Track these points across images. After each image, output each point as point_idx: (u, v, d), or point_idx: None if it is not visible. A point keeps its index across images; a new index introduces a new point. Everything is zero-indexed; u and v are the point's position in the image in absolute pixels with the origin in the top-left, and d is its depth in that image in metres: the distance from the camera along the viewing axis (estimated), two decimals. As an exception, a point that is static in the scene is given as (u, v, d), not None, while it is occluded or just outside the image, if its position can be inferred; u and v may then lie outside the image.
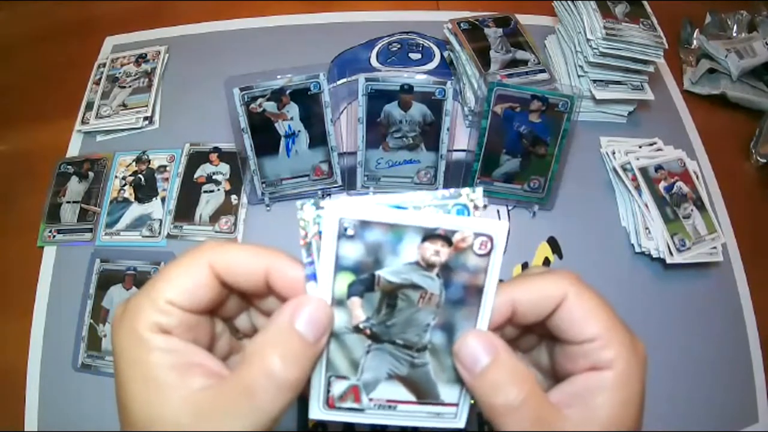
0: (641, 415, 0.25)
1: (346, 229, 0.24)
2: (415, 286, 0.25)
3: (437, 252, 0.25)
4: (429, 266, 0.25)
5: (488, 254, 0.25)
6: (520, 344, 0.31)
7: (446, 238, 0.25)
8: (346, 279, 0.25)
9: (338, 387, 0.27)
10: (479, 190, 0.25)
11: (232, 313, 0.29)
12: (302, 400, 0.26)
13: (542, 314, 0.26)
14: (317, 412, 0.27)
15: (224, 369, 0.25)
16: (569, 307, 0.25)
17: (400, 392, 0.27)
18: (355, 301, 0.26)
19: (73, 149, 0.67)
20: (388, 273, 0.25)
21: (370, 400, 0.27)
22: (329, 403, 0.27)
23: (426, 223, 0.24)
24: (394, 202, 0.25)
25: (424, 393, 0.27)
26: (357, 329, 0.26)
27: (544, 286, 0.26)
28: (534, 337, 0.30)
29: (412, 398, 0.27)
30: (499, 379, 0.24)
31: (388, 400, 0.27)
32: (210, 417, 0.23)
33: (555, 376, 0.28)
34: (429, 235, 0.25)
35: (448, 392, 0.27)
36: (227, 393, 0.23)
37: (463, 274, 0.25)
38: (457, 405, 0.27)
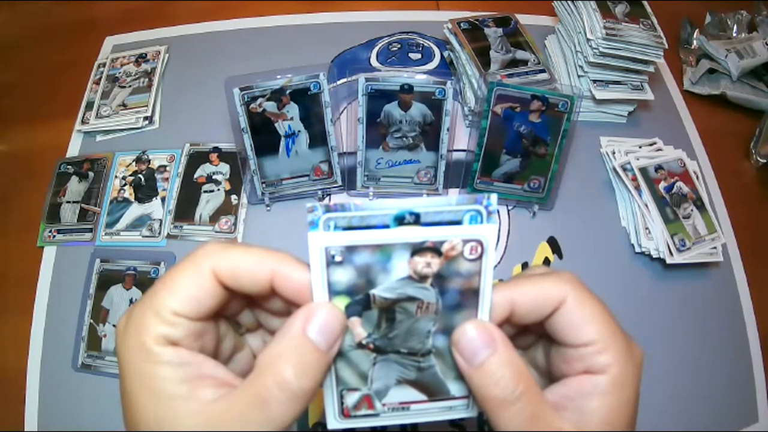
0: (634, 421, 0.25)
1: (333, 257, 0.24)
2: (411, 299, 0.25)
3: (428, 264, 0.25)
4: (422, 278, 0.25)
5: (480, 258, 0.25)
6: (517, 342, 0.31)
7: (435, 250, 0.24)
8: (342, 302, 0.25)
9: (351, 398, 0.27)
10: (494, 196, 0.24)
11: (235, 311, 0.29)
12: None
13: (541, 315, 0.26)
14: (334, 422, 0.27)
15: (234, 378, 0.25)
16: (568, 310, 0.25)
17: (412, 394, 0.27)
18: (354, 320, 0.26)
19: (73, 149, 0.67)
20: (382, 291, 0.25)
21: (383, 405, 0.27)
22: (345, 414, 0.27)
23: (412, 239, 0.24)
24: (402, 207, 0.24)
25: (434, 392, 0.27)
26: (360, 345, 0.26)
27: (544, 288, 0.26)
28: (531, 335, 0.30)
29: (424, 397, 0.27)
30: (497, 372, 0.24)
31: (401, 403, 0.27)
32: (223, 429, 0.22)
33: (550, 376, 0.28)
34: (417, 249, 0.24)
35: (457, 387, 0.27)
36: (240, 404, 0.23)
37: (457, 280, 0.25)
38: (467, 397, 0.27)
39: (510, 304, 0.26)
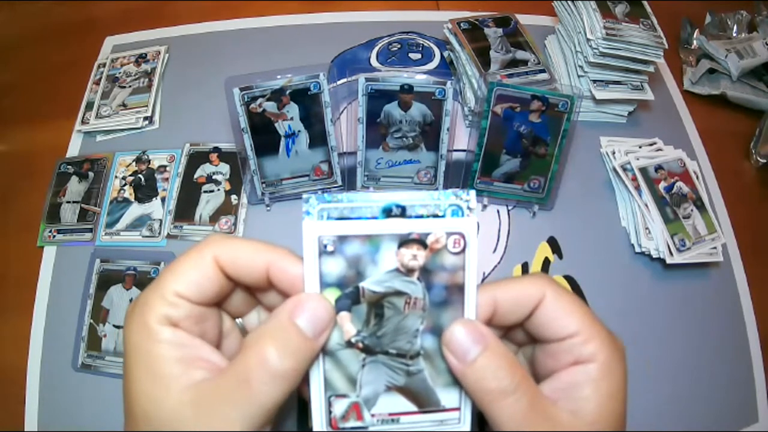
0: (625, 408, 0.26)
1: (325, 246, 0.25)
2: (399, 293, 0.26)
3: (414, 256, 0.26)
4: (409, 271, 0.26)
5: (463, 251, 0.26)
6: None
7: (421, 242, 0.25)
8: (333, 294, 0.26)
9: (339, 407, 0.27)
10: (472, 192, 0.26)
11: (239, 308, 0.30)
12: (301, 402, 0.26)
13: (523, 314, 0.27)
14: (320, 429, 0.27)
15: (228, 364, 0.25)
16: (549, 306, 0.26)
17: (401, 404, 0.27)
18: (344, 315, 0.26)
19: (73, 149, 0.67)
20: (371, 284, 0.26)
21: (372, 415, 0.27)
22: (332, 425, 0.27)
23: (399, 230, 0.25)
24: (388, 200, 0.25)
25: (424, 401, 0.27)
26: (349, 344, 0.26)
27: (523, 286, 0.27)
28: (512, 345, 0.30)
29: (414, 408, 0.27)
30: (491, 365, 0.25)
31: (390, 414, 0.27)
32: (209, 406, 0.23)
33: (536, 379, 0.28)
34: (404, 241, 0.25)
35: (447, 397, 0.27)
36: (224, 382, 0.23)
37: (442, 275, 0.26)
38: (458, 409, 0.27)
39: (492, 303, 0.27)
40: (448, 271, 0.26)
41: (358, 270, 0.26)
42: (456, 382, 0.26)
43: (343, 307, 0.26)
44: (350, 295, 0.26)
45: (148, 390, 0.24)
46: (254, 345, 0.24)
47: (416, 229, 0.25)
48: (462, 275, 0.26)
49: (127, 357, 0.25)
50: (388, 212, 0.26)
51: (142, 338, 0.24)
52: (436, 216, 0.26)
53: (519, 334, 0.29)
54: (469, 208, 0.26)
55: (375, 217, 0.26)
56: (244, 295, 0.29)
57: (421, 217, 0.26)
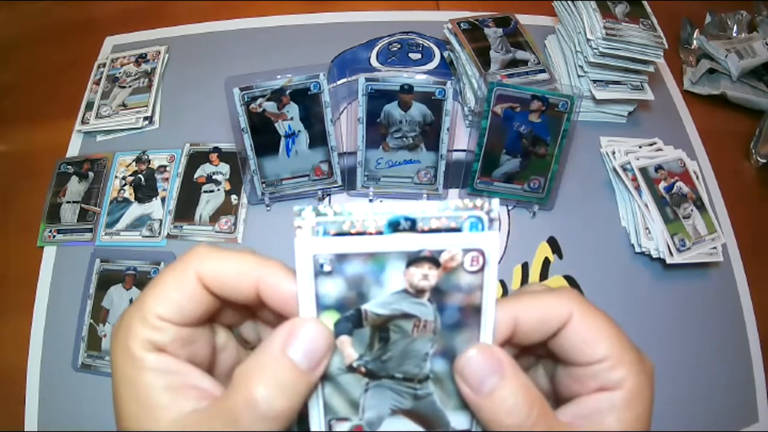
0: (649, 429, 0.25)
1: (322, 266, 0.22)
2: (406, 316, 0.23)
3: (425, 276, 0.23)
4: (419, 292, 0.23)
5: (481, 270, 0.23)
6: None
7: (433, 260, 0.22)
8: (331, 318, 0.23)
9: (340, 429, 0.25)
10: (496, 201, 0.22)
11: (234, 321, 0.28)
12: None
13: (546, 334, 0.25)
14: None
15: (221, 390, 0.24)
16: (576, 327, 0.24)
17: (407, 426, 0.25)
18: (344, 339, 0.23)
19: (73, 149, 0.67)
20: (375, 306, 0.23)
21: None
22: None
23: (408, 247, 0.22)
24: (396, 212, 0.23)
25: (432, 424, 0.25)
26: (351, 369, 0.24)
27: (549, 304, 0.24)
28: (530, 358, 0.29)
29: (421, 430, 0.25)
30: (509, 398, 0.23)
31: None
32: None
33: (556, 397, 0.27)
34: (414, 259, 0.22)
35: (457, 419, 0.25)
36: (212, 419, 0.22)
37: (457, 295, 0.23)
38: (469, 430, 0.25)
39: (513, 322, 0.24)
40: (463, 292, 0.23)
41: (359, 292, 0.23)
42: (467, 404, 0.25)
43: (343, 331, 0.23)
44: (351, 318, 0.23)
45: (135, 417, 0.22)
46: (243, 382, 0.22)
47: (428, 246, 0.22)
48: (479, 296, 0.23)
49: (114, 381, 0.23)
50: (395, 226, 0.22)
51: (127, 365, 0.23)
52: (451, 229, 0.22)
53: (540, 348, 0.27)
54: (491, 219, 0.22)
55: (380, 232, 0.22)
56: (235, 310, 0.27)
57: (435, 231, 0.22)
